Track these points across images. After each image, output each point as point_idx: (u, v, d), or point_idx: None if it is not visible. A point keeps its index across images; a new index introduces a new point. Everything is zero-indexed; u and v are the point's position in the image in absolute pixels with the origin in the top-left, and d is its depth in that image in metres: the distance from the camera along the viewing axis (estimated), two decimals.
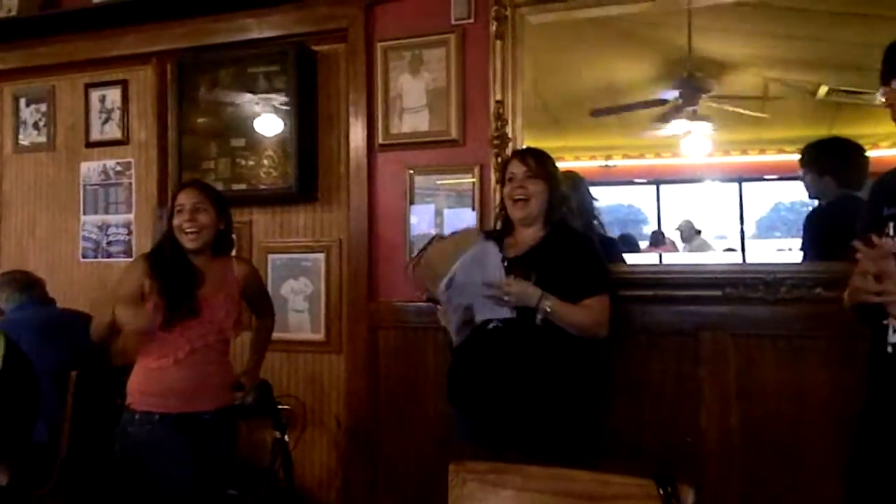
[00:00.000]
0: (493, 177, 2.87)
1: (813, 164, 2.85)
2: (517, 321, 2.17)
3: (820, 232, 2.83)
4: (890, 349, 1.59)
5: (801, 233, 2.99)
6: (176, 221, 2.44)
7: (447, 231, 2.97)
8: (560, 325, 2.17)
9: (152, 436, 2.35)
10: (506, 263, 2.19)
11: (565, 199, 2.38)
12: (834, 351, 2.46)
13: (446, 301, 2.22)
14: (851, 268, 1.66)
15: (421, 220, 3.05)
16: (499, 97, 2.87)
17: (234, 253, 2.67)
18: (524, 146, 2.83)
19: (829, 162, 2.78)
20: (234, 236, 2.66)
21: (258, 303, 2.70)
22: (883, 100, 1.65)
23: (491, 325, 2.21)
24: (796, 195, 8.23)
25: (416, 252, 2.89)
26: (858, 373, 2.12)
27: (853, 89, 5.25)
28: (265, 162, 3.28)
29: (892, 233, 1.62)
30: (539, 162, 2.34)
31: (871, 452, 1.64)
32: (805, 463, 2.49)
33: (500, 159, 2.83)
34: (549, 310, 2.14)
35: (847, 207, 2.62)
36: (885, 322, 1.62)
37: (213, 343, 2.45)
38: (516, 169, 2.34)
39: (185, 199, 2.45)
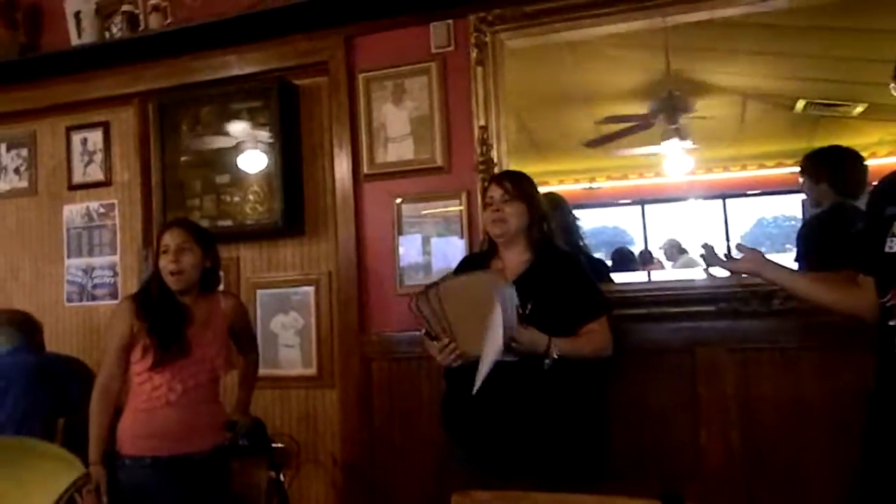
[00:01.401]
0: (479, 203, 2.86)
1: (810, 171, 2.87)
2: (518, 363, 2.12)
3: (814, 240, 2.84)
4: None
5: (795, 243, 3.00)
6: (161, 263, 2.41)
7: (435, 259, 2.97)
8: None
9: (144, 480, 2.29)
10: (520, 311, 2.11)
11: (544, 218, 2.38)
12: (830, 360, 2.45)
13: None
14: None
15: (409, 250, 3.03)
16: (482, 123, 2.88)
17: (221, 288, 2.64)
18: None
19: (826, 169, 2.80)
20: (221, 273, 2.63)
21: (243, 338, 2.65)
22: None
23: None
24: (779, 210, 8.32)
25: (414, 282, 2.90)
26: (856, 381, 2.13)
27: (830, 101, 5.32)
28: (250, 197, 3.26)
29: None
30: (516, 184, 2.35)
31: (883, 453, 1.63)
32: (806, 473, 2.47)
33: (486, 184, 2.83)
34: (556, 356, 2.12)
35: (841, 216, 2.63)
36: (891, 323, 1.61)
37: (204, 382, 2.41)
38: (494, 192, 2.35)
39: (170, 239, 2.43)
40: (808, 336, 2.48)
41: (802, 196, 6.83)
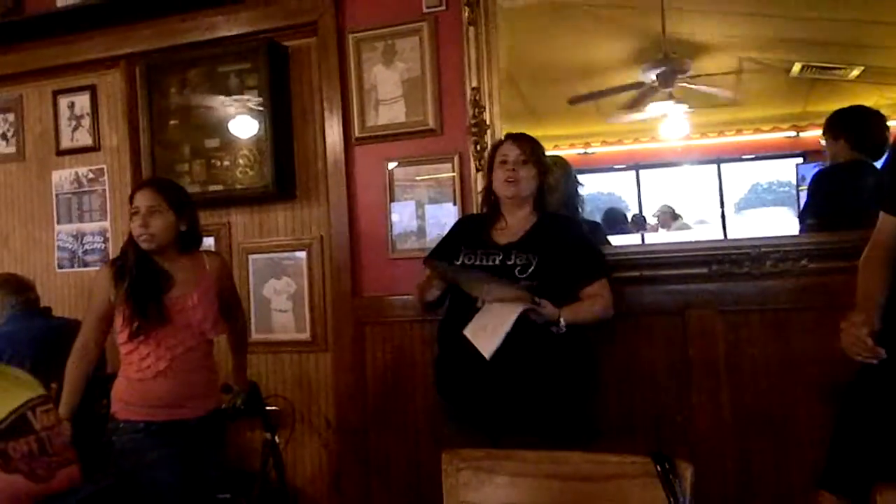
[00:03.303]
0: (472, 165, 2.84)
1: (830, 128, 2.85)
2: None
3: (825, 193, 2.83)
4: None
5: (805, 195, 2.96)
6: (132, 226, 2.33)
7: (429, 226, 2.94)
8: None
9: (137, 444, 2.27)
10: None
11: (555, 187, 2.38)
12: (821, 322, 2.45)
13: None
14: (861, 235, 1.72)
15: (402, 215, 3.00)
16: (474, 84, 2.84)
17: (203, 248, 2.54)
18: (503, 133, 2.80)
19: (845, 125, 2.79)
20: (202, 235, 2.50)
21: (229, 301, 2.55)
22: None
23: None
24: (773, 175, 8.28)
25: (407, 246, 2.95)
26: None
27: (826, 65, 5.26)
28: (241, 161, 3.22)
29: None
30: (532, 147, 2.33)
31: (865, 409, 1.64)
32: (795, 435, 2.49)
33: (478, 147, 2.81)
34: (563, 327, 2.14)
35: (856, 172, 2.62)
36: None
37: (194, 347, 2.35)
38: (509, 151, 2.32)
39: (141, 200, 2.33)
40: (799, 298, 2.49)
41: (797, 161, 6.83)
